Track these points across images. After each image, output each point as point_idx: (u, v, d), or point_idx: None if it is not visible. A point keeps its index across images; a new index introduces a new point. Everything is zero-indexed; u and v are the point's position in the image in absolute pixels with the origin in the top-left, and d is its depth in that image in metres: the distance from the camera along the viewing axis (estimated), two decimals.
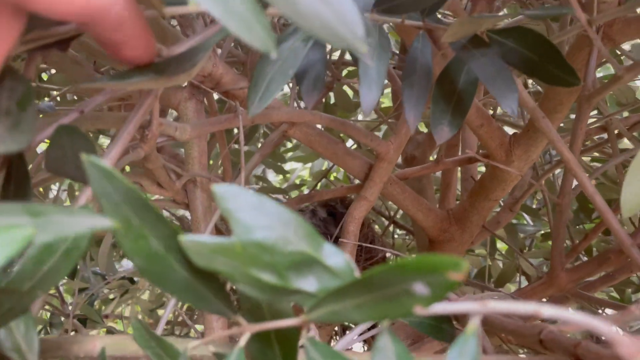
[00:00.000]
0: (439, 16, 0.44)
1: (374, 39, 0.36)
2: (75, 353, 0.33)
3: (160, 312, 1.27)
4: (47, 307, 1.12)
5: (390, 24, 0.39)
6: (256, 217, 0.21)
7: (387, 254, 1.04)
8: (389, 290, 0.20)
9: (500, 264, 1.10)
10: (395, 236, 1.36)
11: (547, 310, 0.20)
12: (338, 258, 0.22)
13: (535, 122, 0.47)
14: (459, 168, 0.88)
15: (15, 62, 0.75)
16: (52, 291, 1.25)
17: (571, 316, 0.20)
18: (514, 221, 1.14)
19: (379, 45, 0.36)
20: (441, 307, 0.21)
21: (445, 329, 0.46)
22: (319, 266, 0.22)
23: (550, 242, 1.03)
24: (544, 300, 0.70)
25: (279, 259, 0.21)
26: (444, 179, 0.89)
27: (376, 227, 1.30)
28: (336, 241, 1.08)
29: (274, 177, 1.80)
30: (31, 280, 0.27)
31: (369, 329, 0.45)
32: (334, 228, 1.12)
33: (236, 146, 1.29)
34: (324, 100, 0.98)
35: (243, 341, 0.23)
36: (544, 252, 0.94)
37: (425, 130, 1.07)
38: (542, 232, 1.10)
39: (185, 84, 0.62)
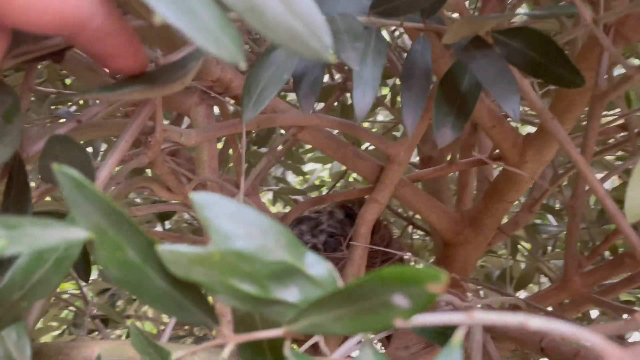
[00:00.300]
0: (445, 16, 0.44)
1: (368, 43, 0.36)
2: (74, 358, 0.34)
3: None
4: (71, 307, 1.15)
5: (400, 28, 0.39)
6: (235, 225, 0.21)
7: (405, 256, 1.03)
8: (369, 302, 0.19)
9: (523, 266, 1.08)
10: (416, 237, 1.34)
11: (535, 322, 0.19)
12: (320, 267, 0.22)
13: (544, 124, 0.46)
14: (476, 169, 0.86)
15: (11, 74, 0.77)
16: (76, 291, 1.28)
17: (558, 327, 0.20)
18: (537, 221, 1.12)
19: (375, 49, 0.36)
20: (426, 319, 0.21)
21: (450, 334, 0.46)
22: (300, 276, 0.21)
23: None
24: (563, 303, 0.68)
25: (259, 268, 0.21)
26: (460, 180, 0.88)
27: (394, 228, 1.29)
28: (351, 241, 1.08)
29: (294, 178, 1.80)
30: (21, 290, 0.27)
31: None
32: (350, 229, 1.12)
33: (255, 148, 1.30)
34: (336, 102, 0.97)
35: (226, 353, 0.22)
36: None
37: None
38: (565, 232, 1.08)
39: (191, 88, 0.63)
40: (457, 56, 0.40)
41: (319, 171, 1.78)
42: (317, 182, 1.73)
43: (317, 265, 0.22)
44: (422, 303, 0.19)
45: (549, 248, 1.13)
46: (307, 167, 1.85)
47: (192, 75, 0.32)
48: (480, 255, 0.76)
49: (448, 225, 0.74)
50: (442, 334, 0.46)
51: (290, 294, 0.21)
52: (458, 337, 0.21)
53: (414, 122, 0.39)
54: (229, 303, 0.21)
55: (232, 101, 0.66)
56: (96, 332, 1.10)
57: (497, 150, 0.74)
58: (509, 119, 0.76)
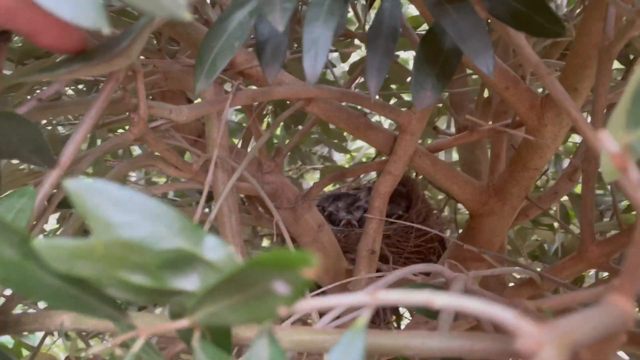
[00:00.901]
0: None
1: (322, 3, 0.35)
2: (47, 326, 0.36)
3: None
4: None
5: None
6: (119, 213, 0.19)
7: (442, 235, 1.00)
8: (254, 289, 0.18)
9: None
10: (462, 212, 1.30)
11: (440, 299, 0.18)
12: (220, 251, 0.20)
13: (540, 79, 0.43)
14: (508, 137, 0.82)
15: None
16: None
17: (468, 304, 0.18)
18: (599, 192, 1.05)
19: (328, 10, 0.35)
20: (326, 302, 0.20)
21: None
22: (199, 262, 0.20)
23: (633, 213, 0.93)
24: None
25: (150, 258, 0.19)
26: (492, 149, 0.84)
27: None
28: (388, 217, 1.06)
29: (341, 157, 1.80)
30: None
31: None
32: (388, 205, 1.10)
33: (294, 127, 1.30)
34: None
35: (137, 346, 0.21)
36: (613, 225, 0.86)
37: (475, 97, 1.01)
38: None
39: None
40: (430, 11, 0.38)
41: (366, 148, 1.76)
42: (363, 159, 1.71)
43: (216, 250, 0.20)
44: (301, 289, 0.18)
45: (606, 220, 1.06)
46: (355, 145, 1.84)
47: (136, 49, 0.33)
48: (509, 226, 0.72)
49: (472, 196, 0.71)
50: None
51: (190, 282, 0.20)
52: (362, 320, 0.20)
53: (378, 85, 0.37)
54: (122, 297, 0.20)
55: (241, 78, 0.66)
56: None
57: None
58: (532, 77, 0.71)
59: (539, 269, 0.67)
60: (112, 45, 0.31)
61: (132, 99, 0.46)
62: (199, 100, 1.03)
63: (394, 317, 1.07)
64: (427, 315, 0.43)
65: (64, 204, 0.65)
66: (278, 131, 1.50)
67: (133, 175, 1.36)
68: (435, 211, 1.11)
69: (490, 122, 0.77)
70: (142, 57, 0.76)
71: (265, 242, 1.54)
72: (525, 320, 0.17)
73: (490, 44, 0.35)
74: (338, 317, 0.42)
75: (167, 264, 0.19)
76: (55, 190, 0.40)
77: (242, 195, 0.89)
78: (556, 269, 0.58)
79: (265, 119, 1.34)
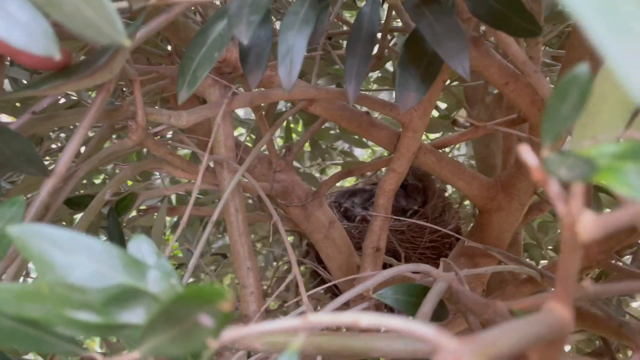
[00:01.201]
0: None
1: (297, 12, 0.36)
2: None
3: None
4: None
5: None
6: (62, 255, 0.20)
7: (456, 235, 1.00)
8: (185, 323, 0.19)
9: None
10: None
11: (365, 319, 0.19)
12: (163, 283, 0.22)
13: (527, 78, 0.43)
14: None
15: None
16: None
17: (391, 322, 0.19)
18: None
19: (303, 19, 0.35)
20: (259, 329, 0.20)
21: (435, 309, 0.44)
22: (144, 295, 0.21)
23: None
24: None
25: (93, 296, 0.20)
26: (504, 143, 0.83)
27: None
28: (404, 213, 1.06)
29: (362, 152, 1.80)
30: None
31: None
32: (404, 200, 1.10)
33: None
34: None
35: None
36: None
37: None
38: None
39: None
40: (409, 14, 0.38)
41: None
42: (385, 154, 1.70)
43: (160, 282, 0.22)
44: (222, 321, 0.19)
45: None
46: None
47: (118, 63, 0.34)
48: (519, 222, 0.72)
49: (479, 192, 0.70)
50: (414, 304, 0.45)
51: (136, 315, 0.21)
52: (296, 344, 0.21)
53: (356, 90, 0.38)
54: (70, 334, 0.21)
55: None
56: None
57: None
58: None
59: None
60: (94, 60, 0.33)
61: (131, 106, 0.48)
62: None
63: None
64: (409, 313, 0.43)
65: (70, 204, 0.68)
66: (300, 128, 1.51)
67: (157, 175, 1.40)
68: (452, 206, 1.10)
69: (501, 117, 0.77)
70: (140, 63, 0.79)
71: (290, 239, 1.56)
72: (445, 337, 0.18)
73: (466, 45, 0.36)
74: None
75: (112, 300, 0.20)
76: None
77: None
78: (556, 265, 0.58)
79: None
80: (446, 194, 1.11)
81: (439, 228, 0.70)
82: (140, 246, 0.27)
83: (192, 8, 0.69)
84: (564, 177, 0.18)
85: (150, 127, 0.58)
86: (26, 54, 0.29)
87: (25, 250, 0.20)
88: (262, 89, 0.64)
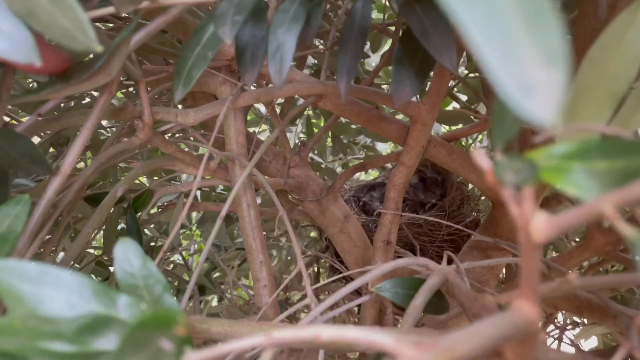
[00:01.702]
0: None
1: (287, 10, 0.36)
2: None
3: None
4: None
5: None
6: (32, 288, 0.21)
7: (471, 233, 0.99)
8: (150, 348, 0.19)
9: None
10: None
11: (326, 332, 0.19)
12: (133, 309, 0.22)
13: None
14: None
15: None
16: (180, 261, 1.42)
17: (349, 333, 0.19)
18: None
19: (293, 17, 0.36)
20: (227, 347, 0.21)
21: (432, 302, 0.44)
22: (115, 322, 0.22)
23: None
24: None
25: (65, 326, 0.21)
26: (520, 135, 0.82)
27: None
28: (423, 206, 1.06)
29: (385, 146, 1.79)
30: None
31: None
32: (422, 194, 1.10)
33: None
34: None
35: None
36: None
37: None
38: None
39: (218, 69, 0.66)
40: (398, 9, 0.38)
41: None
42: None
43: (130, 308, 0.22)
44: (182, 343, 0.20)
45: None
46: None
47: (116, 66, 0.36)
48: None
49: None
50: (412, 297, 0.45)
51: (109, 342, 0.21)
52: (265, 359, 0.22)
53: (347, 85, 0.38)
54: None
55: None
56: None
57: None
58: None
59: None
60: (91, 64, 0.34)
61: (138, 106, 0.49)
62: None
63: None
64: (432, 312, 0.43)
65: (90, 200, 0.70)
66: (322, 123, 1.52)
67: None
68: (471, 199, 1.09)
69: None
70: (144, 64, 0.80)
71: (312, 234, 1.57)
72: (404, 344, 0.18)
73: (453, 40, 0.36)
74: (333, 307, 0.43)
75: (84, 328, 0.21)
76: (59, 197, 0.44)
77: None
78: (563, 257, 0.57)
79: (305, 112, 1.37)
80: (465, 187, 1.10)
81: (447, 223, 0.70)
82: (126, 250, 0.28)
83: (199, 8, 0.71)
84: (510, 181, 0.18)
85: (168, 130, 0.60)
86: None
87: None
88: (271, 85, 0.65)
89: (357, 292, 0.93)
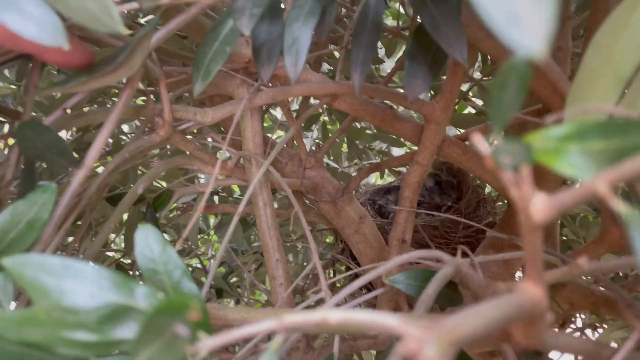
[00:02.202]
0: None
1: (303, 5, 0.37)
2: None
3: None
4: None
5: None
6: (55, 281, 0.22)
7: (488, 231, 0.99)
8: (167, 334, 0.20)
9: None
10: None
11: (334, 315, 0.20)
12: (151, 298, 0.23)
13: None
14: None
15: None
16: (198, 265, 1.44)
17: (358, 316, 0.20)
18: None
19: (309, 11, 0.37)
20: (238, 333, 0.21)
21: (446, 293, 0.45)
22: (134, 311, 0.23)
23: None
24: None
25: (87, 316, 0.22)
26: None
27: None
28: (439, 209, 1.06)
29: (401, 151, 1.79)
30: (0, 244, 0.34)
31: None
32: (438, 197, 1.10)
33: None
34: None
35: None
36: None
37: None
38: None
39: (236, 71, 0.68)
40: (411, 4, 0.39)
41: None
42: None
43: (148, 297, 0.23)
44: (197, 329, 0.20)
45: None
46: None
47: (137, 61, 0.37)
48: None
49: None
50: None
51: (130, 330, 0.22)
52: (276, 343, 0.23)
53: (361, 79, 0.39)
54: (70, 353, 0.22)
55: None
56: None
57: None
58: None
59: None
60: (114, 57, 0.36)
61: (158, 104, 0.51)
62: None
63: None
64: (447, 304, 0.44)
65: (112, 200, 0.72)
66: (338, 127, 1.53)
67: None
68: (487, 201, 1.09)
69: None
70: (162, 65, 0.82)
71: (329, 239, 1.58)
72: (409, 325, 0.19)
73: (464, 33, 0.36)
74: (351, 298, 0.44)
75: (105, 318, 0.22)
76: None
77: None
78: (578, 253, 0.57)
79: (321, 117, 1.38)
80: (482, 190, 1.10)
81: (463, 221, 0.70)
82: (146, 236, 0.29)
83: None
84: (507, 164, 0.18)
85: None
86: (54, 52, 0.33)
87: (20, 279, 0.21)
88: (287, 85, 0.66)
89: (371, 291, 0.93)
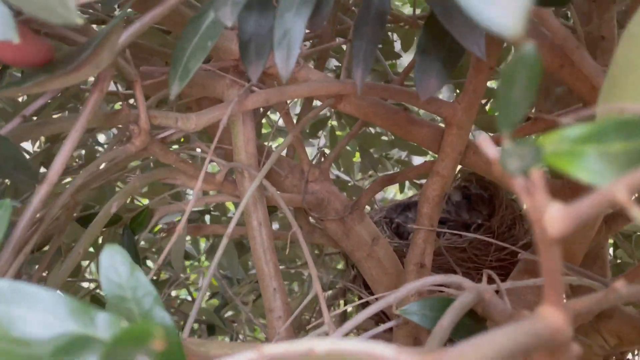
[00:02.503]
0: None
1: None
2: None
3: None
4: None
5: None
6: (2, 307, 0.22)
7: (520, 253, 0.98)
8: None
9: None
10: None
11: (321, 346, 0.20)
12: (113, 327, 0.24)
13: (569, 54, 0.43)
14: None
15: None
16: (188, 297, 1.45)
17: (350, 347, 0.21)
18: None
19: (302, 0, 0.38)
20: None
21: (467, 324, 0.45)
22: (94, 342, 0.23)
23: None
24: None
25: (40, 348, 0.22)
26: None
27: None
28: (467, 228, 1.06)
29: (421, 160, 1.79)
30: None
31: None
32: (466, 213, 1.10)
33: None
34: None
35: None
36: None
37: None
38: None
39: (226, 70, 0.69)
40: None
41: None
42: None
43: (109, 326, 0.24)
44: (163, 358, 0.21)
45: None
46: None
47: (105, 58, 0.38)
48: (593, 233, 0.71)
49: None
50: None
51: None
52: None
53: (364, 74, 0.40)
54: None
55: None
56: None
57: None
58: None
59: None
60: (77, 53, 0.37)
61: (133, 110, 0.52)
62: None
63: None
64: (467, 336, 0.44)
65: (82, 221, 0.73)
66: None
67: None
68: (524, 219, 1.09)
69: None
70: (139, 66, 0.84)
71: (339, 265, 1.58)
72: (407, 356, 0.19)
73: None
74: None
75: (61, 350, 0.22)
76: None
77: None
78: (627, 277, 0.57)
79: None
80: (517, 205, 1.10)
81: (496, 242, 0.70)
82: (112, 257, 0.30)
83: None
84: (515, 169, 0.19)
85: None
86: (7, 49, 0.34)
87: None
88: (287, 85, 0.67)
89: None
